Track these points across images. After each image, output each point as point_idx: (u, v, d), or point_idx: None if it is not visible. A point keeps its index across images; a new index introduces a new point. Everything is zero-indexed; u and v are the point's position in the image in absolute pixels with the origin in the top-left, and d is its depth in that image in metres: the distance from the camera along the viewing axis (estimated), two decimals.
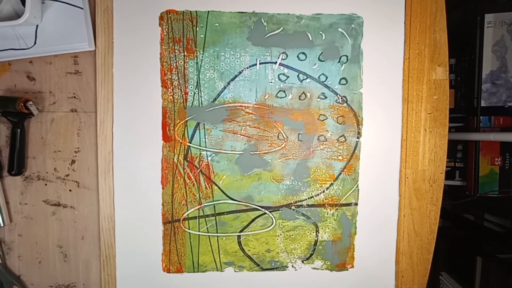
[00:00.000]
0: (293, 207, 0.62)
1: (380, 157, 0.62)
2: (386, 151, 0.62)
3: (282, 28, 0.60)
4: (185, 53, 0.59)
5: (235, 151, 0.61)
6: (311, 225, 0.63)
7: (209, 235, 0.62)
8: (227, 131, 0.60)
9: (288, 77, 0.60)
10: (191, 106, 0.60)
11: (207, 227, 0.62)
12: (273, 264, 0.63)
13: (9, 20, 0.53)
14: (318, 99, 0.61)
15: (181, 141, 0.60)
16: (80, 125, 0.60)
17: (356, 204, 0.63)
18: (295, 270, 0.63)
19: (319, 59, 0.60)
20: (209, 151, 0.60)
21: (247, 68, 0.60)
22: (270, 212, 0.62)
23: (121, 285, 0.61)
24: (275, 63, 0.60)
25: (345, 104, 0.61)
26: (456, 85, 1.07)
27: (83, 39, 0.58)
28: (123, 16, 0.58)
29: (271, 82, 0.60)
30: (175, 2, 0.58)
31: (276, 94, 0.60)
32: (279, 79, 0.60)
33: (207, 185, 0.61)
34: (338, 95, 0.61)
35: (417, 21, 0.61)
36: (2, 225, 0.59)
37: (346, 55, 0.61)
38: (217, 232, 0.62)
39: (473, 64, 1.00)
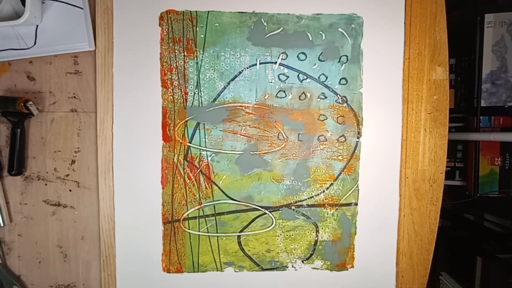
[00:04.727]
0: (293, 207, 0.62)
1: (380, 157, 0.62)
2: (386, 151, 0.62)
3: (282, 28, 0.60)
4: (185, 53, 0.59)
5: (235, 151, 0.61)
6: (311, 225, 0.63)
7: (209, 235, 0.62)
8: (227, 131, 0.60)
9: (288, 77, 0.60)
10: (191, 106, 0.60)
11: (207, 227, 0.62)
12: (273, 264, 0.63)
13: (9, 20, 0.53)
14: (318, 99, 0.61)
15: (181, 141, 0.60)
16: (80, 125, 0.60)
17: (356, 204, 0.63)
18: (295, 270, 0.63)
19: (319, 59, 0.60)
20: (209, 151, 0.60)
21: (247, 68, 0.60)
22: (270, 212, 0.62)
23: (121, 285, 0.61)
24: (275, 63, 0.60)
25: (345, 104, 0.61)
26: (456, 85, 1.07)
27: (83, 39, 0.58)
28: (123, 16, 0.58)
29: (271, 82, 0.60)
30: (175, 2, 0.58)
31: (276, 94, 0.60)
32: (279, 79, 0.60)
33: (207, 185, 0.61)
34: (338, 95, 0.61)
35: (417, 21, 0.61)
36: (2, 225, 0.59)
37: (346, 55, 0.61)
38: (217, 232, 0.62)
39: (473, 64, 1.00)
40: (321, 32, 0.60)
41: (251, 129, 0.61)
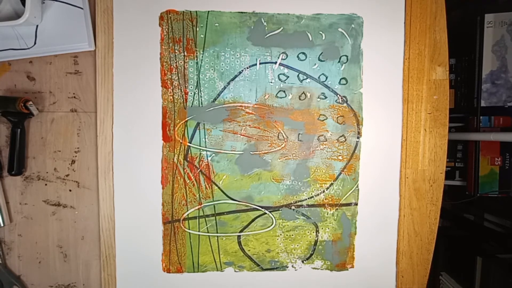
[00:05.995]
0: (293, 207, 0.62)
1: (380, 157, 0.62)
2: (386, 151, 0.62)
3: (282, 28, 0.60)
4: (185, 53, 0.59)
5: (235, 151, 0.61)
6: (311, 225, 0.63)
7: (209, 235, 0.62)
8: (227, 131, 0.60)
9: (288, 77, 0.60)
10: (191, 106, 0.60)
11: (207, 227, 0.62)
12: (273, 264, 0.63)
13: (9, 20, 0.53)
14: (318, 99, 0.61)
15: (181, 141, 0.60)
16: (80, 125, 0.60)
17: (356, 204, 0.63)
18: (295, 270, 0.63)
19: (319, 59, 0.60)
20: (209, 151, 0.60)
21: (247, 68, 0.60)
22: (270, 212, 0.62)
23: (121, 285, 0.61)
24: (275, 63, 0.60)
25: (345, 104, 0.61)
26: (456, 85, 1.07)
27: (83, 39, 0.58)
28: (123, 16, 0.58)
29: (271, 82, 0.60)
30: (175, 2, 0.58)
31: (276, 94, 0.60)
32: (279, 79, 0.60)
33: (207, 185, 0.61)
34: (338, 95, 0.61)
35: (417, 21, 0.61)
36: (2, 225, 0.59)
37: (346, 55, 0.61)
38: (217, 232, 0.62)
39: (473, 64, 1.00)
40: (321, 32, 0.60)
41: (251, 129, 0.61)
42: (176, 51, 0.59)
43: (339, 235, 0.63)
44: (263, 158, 0.61)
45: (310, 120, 0.61)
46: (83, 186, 0.61)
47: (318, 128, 0.61)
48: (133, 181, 0.60)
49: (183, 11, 0.59)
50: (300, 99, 0.61)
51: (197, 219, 0.61)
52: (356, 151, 0.62)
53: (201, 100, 0.60)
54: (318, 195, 0.62)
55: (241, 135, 0.61)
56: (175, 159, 0.60)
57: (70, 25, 0.58)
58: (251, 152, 0.61)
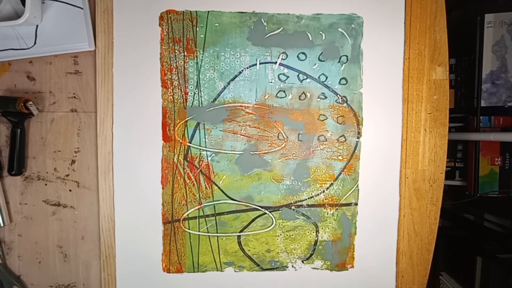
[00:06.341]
0: (293, 207, 0.62)
1: (380, 157, 0.62)
2: (386, 151, 0.62)
3: (282, 28, 0.60)
4: (185, 53, 0.59)
5: (235, 151, 0.61)
6: (311, 225, 0.63)
7: (209, 235, 0.62)
8: (227, 131, 0.60)
9: (288, 77, 0.60)
10: (191, 106, 0.60)
11: (207, 227, 0.62)
12: (273, 264, 0.63)
13: (9, 20, 0.53)
14: (318, 99, 0.61)
15: (181, 141, 0.60)
16: (80, 125, 0.60)
17: (356, 204, 0.63)
18: (295, 270, 0.63)
19: (319, 59, 0.60)
20: (209, 151, 0.60)
21: (247, 68, 0.60)
22: (270, 212, 0.62)
23: (121, 285, 0.61)
24: (275, 63, 0.60)
25: (345, 104, 0.61)
26: (456, 85, 1.07)
27: (83, 39, 0.58)
28: (123, 16, 0.58)
29: (271, 82, 0.60)
30: (175, 2, 0.58)
31: (276, 94, 0.60)
32: (279, 79, 0.60)
33: (207, 185, 0.61)
34: (338, 95, 0.61)
35: (417, 21, 0.61)
36: (2, 225, 0.59)
37: (346, 55, 0.61)
38: (217, 232, 0.62)
39: (473, 64, 1.00)
40: (321, 32, 0.60)
41: (251, 129, 0.61)
42: (176, 51, 0.59)
43: (339, 235, 0.63)
44: (263, 158, 0.61)
45: (310, 120, 0.61)
46: (83, 186, 0.61)
47: (318, 128, 0.61)
48: (133, 181, 0.60)
49: (183, 11, 0.59)
50: (300, 99, 0.61)
51: (197, 219, 0.61)
52: (356, 151, 0.62)
53: (201, 100, 0.60)
54: (318, 195, 0.62)
55: (241, 135, 0.61)
56: (175, 159, 0.60)
57: (70, 25, 0.58)
58: (251, 152, 0.61)
